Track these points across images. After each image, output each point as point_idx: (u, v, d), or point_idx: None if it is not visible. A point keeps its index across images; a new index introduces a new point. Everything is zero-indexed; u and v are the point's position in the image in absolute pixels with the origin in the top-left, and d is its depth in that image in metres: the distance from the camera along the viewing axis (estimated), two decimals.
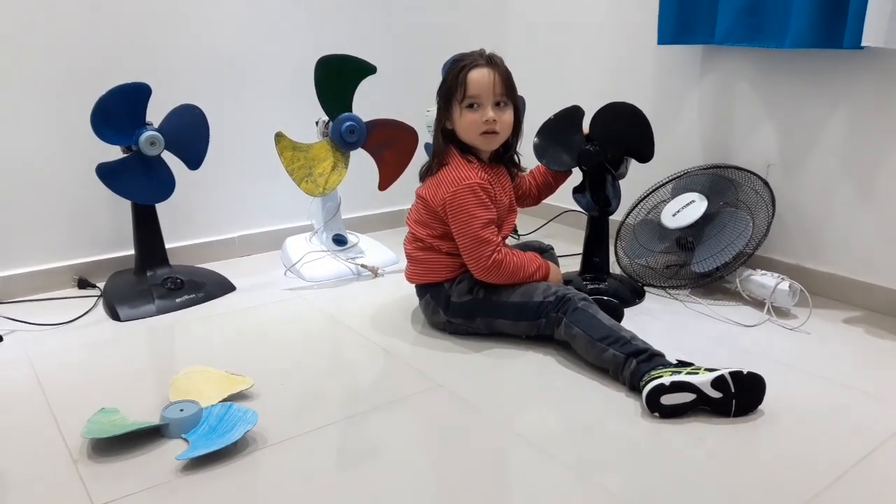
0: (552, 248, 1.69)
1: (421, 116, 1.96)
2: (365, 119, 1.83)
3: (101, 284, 1.79)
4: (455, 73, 1.42)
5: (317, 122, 1.92)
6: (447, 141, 1.48)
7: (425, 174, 1.51)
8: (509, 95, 1.44)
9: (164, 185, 1.67)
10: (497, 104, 1.43)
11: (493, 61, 1.43)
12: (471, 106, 1.42)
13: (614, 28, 2.12)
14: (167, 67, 1.85)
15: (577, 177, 1.68)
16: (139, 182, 1.63)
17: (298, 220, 2.14)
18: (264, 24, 2.00)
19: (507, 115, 1.45)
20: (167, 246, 1.78)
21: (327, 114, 1.82)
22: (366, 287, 1.83)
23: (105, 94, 1.53)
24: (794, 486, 1.00)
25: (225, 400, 1.20)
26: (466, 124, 1.44)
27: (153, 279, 1.71)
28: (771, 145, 1.78)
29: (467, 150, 1.47)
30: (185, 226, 1.97)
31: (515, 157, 1.57)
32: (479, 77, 1.41)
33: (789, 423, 1.15)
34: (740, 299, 1.68)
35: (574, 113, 1.64)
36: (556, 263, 1.66)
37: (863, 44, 1.44)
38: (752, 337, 1.50)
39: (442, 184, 1.43)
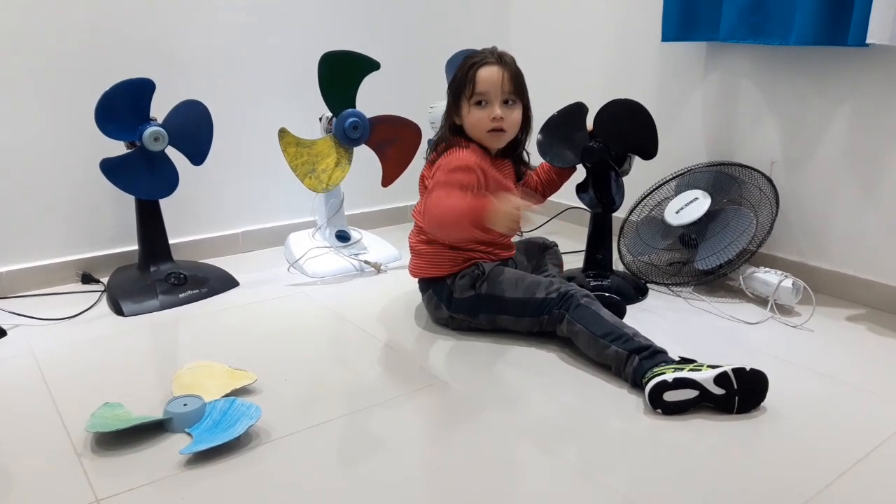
0: (556, 245, 1.69)
1: (424, 113, 1.96)
2: (368, 115, 1.83)
3: (105, 279, 1.79)
4: (465, 70, 1.43)
5: (320, 119, 1.92)
6: (453, 135, 1.48)
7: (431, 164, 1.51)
8: (518, 94, 1.45)
9: (168, 180, 1.67)
10: (505, 102, 1.43)
11: (503, 59, 1.43)
12: (479, 103, 1.43)
13: (618, 25, 2.12)
14: (171, 63, 1.85)
15: (580, 174, 1.68)
16: (143, 177, 1.63)
17: (301, 216, 2.14)
18: (268, 20, 2.00)
19: (516, 114, 1.46)
20: (170, 241, 1.78)
21: (331, 110, 1.82)
22: (368, 283, 1.83)
23: (109, 90, 1.53)
24: (796, 482, 1.00)
25: (228, 395, 1.20)
26: (474, 121, 1.44)
27: (157, 274, 1.71)
28: (775, 143, 1.77)
29: (474, 143, 1.47)
30: (188, 221, 1.97)
31: (524, 155, 1.57)
32: (489, 75, 1.41)
33: (792, 421, 1.15)
34: (743, 297, 1.68)
35: (577, 110, 1.64)
36: (560, 261, 1.67)
37: (868, 41, 1.43)
38: (756, 334, 1.50)
39: (438, 167, 1.43)
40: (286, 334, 1.51)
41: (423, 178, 1.50)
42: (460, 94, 1.44)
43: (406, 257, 1.64)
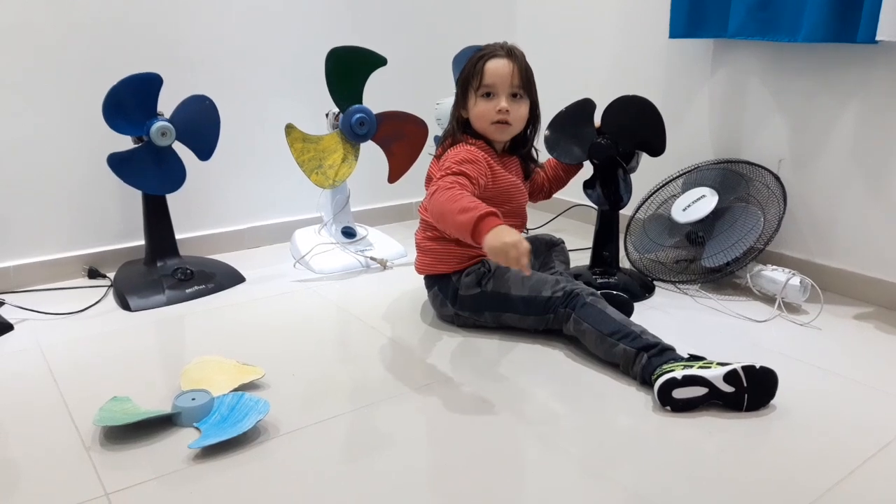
0: (563, 242, 1.68)
1: (431, 109, 1.96)
2: (375, 111, 1.83)
3: (112, 274, 1.79)
4: (474, 62, 1.43)
5: (327, 114, 1.91)
6: (461, 129, 1.48)
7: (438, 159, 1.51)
8: (526, 89, 1.44)
9: (175, 175, 1.67)
10: (513, 96, 1.43)
11: (512, 53, 1.43)
12: (486, 95, 1.42)
13: (626, 21, 2.11)
14: (178, 58, 1.85)
15: (587, 170, 1.68)
16: (150, 172, 1.63)
17: (308, 212, 2.14)
18: (276, 16, 2.00)
19: (522, 109, 1.45)
20: (177, 237, 1.78)
21: (338, 106, 1.82)
22: (374, 279, 1.83)
23: (117, 85, 1.53)
24: (806, 480, 1.00)
25: (236, 389, 1.20)
26: (479, 112, 1.44)
27: (163, 270, 1.71)
28: (782, 140, 1.77)
29: (479, 139, 1.47)
30: (195, 217, 1.97)
31: (533, 151, 1.57)
32: (497, 67, 1.41)
33: (801, 419, 1.15)
34: (751, 295, 1.68)
35: (585, 106, 1.64)
36: (567, 258, 1.66)
37: (877, 38, 1.43)
38: (763, 332, 1.49)
39: (446, 159, 1.43)
40: (292, 330, 1.51)
41: (430, 176, 1.49)
42: (468, 85, 1.44)
43: (412, 254, 1.64)
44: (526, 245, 1.13)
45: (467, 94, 1.45)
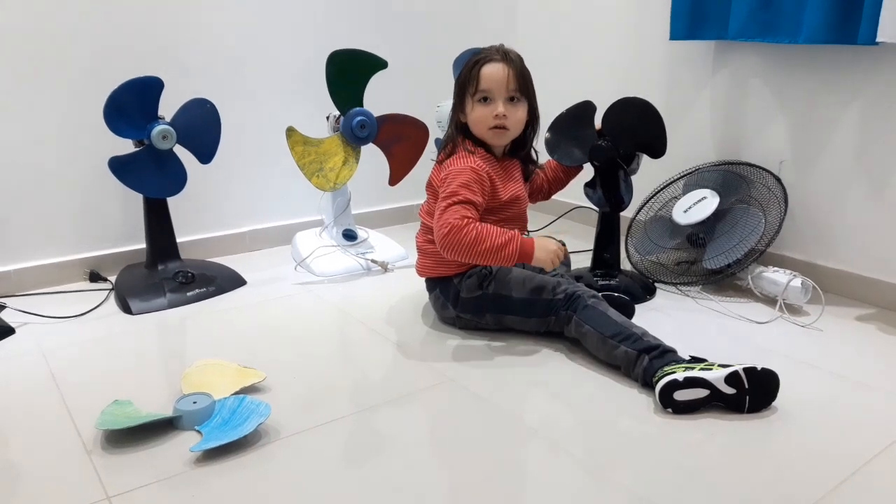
0: (563, 244, 1.68)
1: (432, 112, 1.96)
2: (376, 114, 1.83)
3: (113, 278, 1.79)
4: (469, 67, 1.43)
5: (328, 117, 1.92)
6: (460, 134, 1.48)
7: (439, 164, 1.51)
8: (523, 92, 1.44)
9: (176, 178, 1.67)
10: (510, 99, 1.43)
11: (508, 56, 1.43)
12: (483, 100, 1.42)
13: (626, 23, 2.11)
14: (179, 62, 1.86)
15: (587, 172, 1.68)
16: (151, 176, 1.64)
17: (308, 214, 2.14)
18: (276, 19, 2.00)
19: (520, 112, 1.45)
20: (178, 240, 1.79)
21: (338, 108, 1.82)
22: (376, 282, 1.83)
23: (118, 88, 1.54)
24: (807, 482, 0.99)
25: (237, 393, 1.20)
26: (477, 118, 1.44)
27: (164, 273, 1.71)
28: (783, 142, 1.77)
29: (480, 144, 1.47)
30: (196, 220, 1.97)
31: (532, 153, 1.57)
32: (492, 72, 1.41)
33: (803, 420, 1.15)
34: (752, 296, 1.68)
35: (586, 108, 1.64)
36: (568, 260, 1.66)
37: (878, 39, 1.43)
38: (764, 334, 1.49)
39: (446, 169, 1.43)
40: (294, 333, 1.51)
41: (431, 181, 1.49)
42: (465, 90, 1.44)
43: (413, 256, 1.64)
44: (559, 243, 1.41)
45: (464, 98, 1.45)
